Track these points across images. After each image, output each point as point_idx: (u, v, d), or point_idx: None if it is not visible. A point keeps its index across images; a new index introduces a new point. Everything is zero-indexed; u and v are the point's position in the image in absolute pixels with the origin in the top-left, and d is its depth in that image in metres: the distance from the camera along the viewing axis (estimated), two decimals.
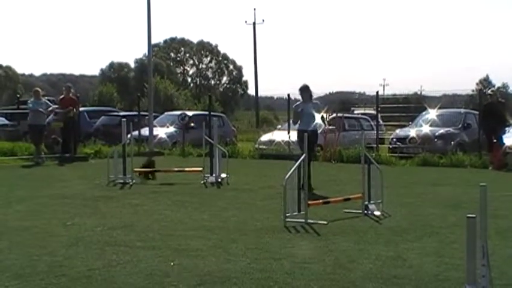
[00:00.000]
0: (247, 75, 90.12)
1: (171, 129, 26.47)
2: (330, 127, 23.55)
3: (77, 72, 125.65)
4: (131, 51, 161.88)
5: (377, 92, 23.12)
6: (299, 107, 13.47)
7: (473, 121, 22.06)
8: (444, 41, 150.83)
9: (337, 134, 23.04)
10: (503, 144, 18.64)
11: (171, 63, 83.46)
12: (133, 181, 14.19)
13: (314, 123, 13.35)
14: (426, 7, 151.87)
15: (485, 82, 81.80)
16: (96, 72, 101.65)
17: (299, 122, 13.35)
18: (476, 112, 21.68)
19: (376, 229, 9.01)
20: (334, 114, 24.92)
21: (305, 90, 13.47)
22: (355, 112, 30.76)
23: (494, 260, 5.99)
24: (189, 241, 7.99)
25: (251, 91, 77.70)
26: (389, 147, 22.32)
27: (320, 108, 14.05)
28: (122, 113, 29.93)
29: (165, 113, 29.96)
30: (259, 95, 62.72)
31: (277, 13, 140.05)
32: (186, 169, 15.51)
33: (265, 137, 24.84)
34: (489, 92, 22.59)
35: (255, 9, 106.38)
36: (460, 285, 5.25)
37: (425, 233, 8.55)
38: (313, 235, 8.52)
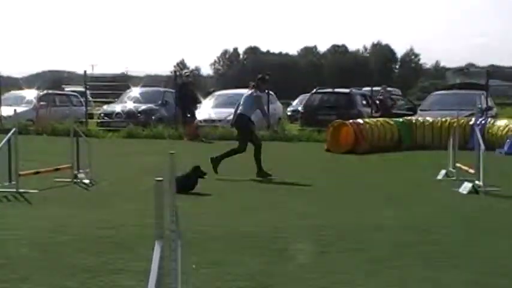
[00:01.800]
0: None
1: None
2: (42, 103, 22.66)
3: None
4: None
5: (85, 71, 22.77)
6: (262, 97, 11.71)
7: (171, 98, 22.79)
8: (145, 27, 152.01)
9: (48, 109, 22.37)
10: (195, 118, 19.59)
11: None
12: None
13: None
14: None
15: (181, 65, 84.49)
16: None
17: (251, 110, 11.25)
18: (173, 91, 22.40)
19: (85, 195, 8.98)
20: (46, 91, 24.08)
21: (267, 81, 11.82)
22: (66, 89, 29.70)
23: (186, 216, 6.28)
24: None
25: None
26: (97, 122, 22.34)
27: None
28: None
29: None
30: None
31: None
32: None
33: None
34: (185, 73, 23.50)
35: None
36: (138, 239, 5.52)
37: (128, 198, 8.69)
38: (24, 203, 8.20)
